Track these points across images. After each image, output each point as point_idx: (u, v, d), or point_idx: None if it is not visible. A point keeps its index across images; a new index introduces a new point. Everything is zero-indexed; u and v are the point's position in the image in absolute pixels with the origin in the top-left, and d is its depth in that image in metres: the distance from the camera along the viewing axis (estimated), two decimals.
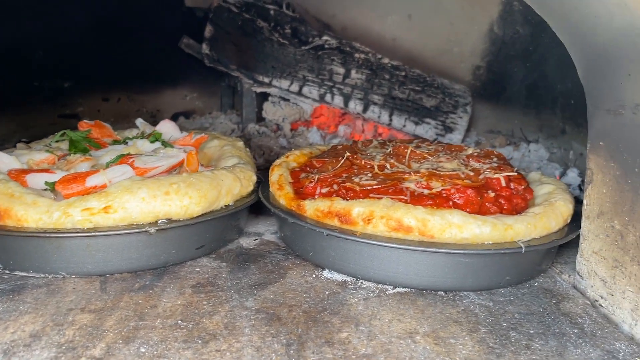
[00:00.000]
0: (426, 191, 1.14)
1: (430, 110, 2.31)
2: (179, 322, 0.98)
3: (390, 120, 2.35)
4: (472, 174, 1.20)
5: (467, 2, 2.46)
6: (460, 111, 2.30)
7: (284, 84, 2.38)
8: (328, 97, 2.38)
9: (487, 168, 1.27)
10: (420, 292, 1.12)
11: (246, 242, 1.38)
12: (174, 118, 2.87)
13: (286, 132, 2.43)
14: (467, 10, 2.48)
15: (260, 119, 2.55)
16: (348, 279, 1.17)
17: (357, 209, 1.10)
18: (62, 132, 1.46)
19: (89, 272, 1.13)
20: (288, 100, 2.47)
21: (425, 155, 1.32)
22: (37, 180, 1.20)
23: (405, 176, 1.20)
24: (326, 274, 1.19)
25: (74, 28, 2.35)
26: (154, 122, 2.80)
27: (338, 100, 2.37)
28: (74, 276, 1.13)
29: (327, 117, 2.55)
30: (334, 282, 1.15)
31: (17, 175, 1.19)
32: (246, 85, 2.46)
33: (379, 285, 1.14)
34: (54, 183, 1.18)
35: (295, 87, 2.38)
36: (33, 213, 1.07)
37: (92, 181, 1.16)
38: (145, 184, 1.12)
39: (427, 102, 2.30)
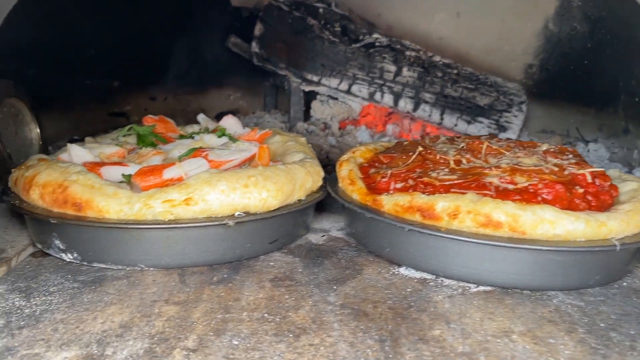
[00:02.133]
0: (511, 186, 1.10)
1: (483, 109, 2.27)
2: (265, 315, 0.96)
3: (442, 119, 2.31)
4: (556, 169, 1.16)
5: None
6: (515, 110, 2.25)
7: (333, 82, 2.36)
8: (377, 96, 2.35)
9: (568, 164, 1.22)
10: (505, 290, 1.08)
11: (314, 238, 1.36)
12: (218, 117, 2.88)
13: (334, 130, 2.41)
14: (519, 7, 2.42)
15: (306, 118, 2.53)
16: (427, 276, 1.14)
17: (442, 203, 1.06)
18: (129, 126, 1.46)
19: (166, 265, 1.12)
20: (336, 98, 2.45)
21: (502, 151, 1.28)
22: (112, 172, 1.20)
23: (486, 171, 1.16)
24: (403, 270, 1.16)
25: (123, 28, 2.36)
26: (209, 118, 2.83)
27: (388, 99, 2.34)
28: (151, 268, 1.12)
29: (374, 116, 2.53)
30: (414, 280, 1.12)
31: (92, 167, 1.19)
32: (294, 84, 2.45)
33: (461, 283, 1.10)
34: (129, 175, 1.18)
35: (344, 86, 2.36)
36: (114, 204, 1.07)
37: (169, 173, 1.15)
38: (224, 177, 1.11)
39: (480, 101, 2.26)
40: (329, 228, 1.43)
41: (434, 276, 1.13)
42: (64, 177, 1.11)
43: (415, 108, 2.32)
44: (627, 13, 1.93)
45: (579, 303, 1.04)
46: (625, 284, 1.13)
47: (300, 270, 1.16)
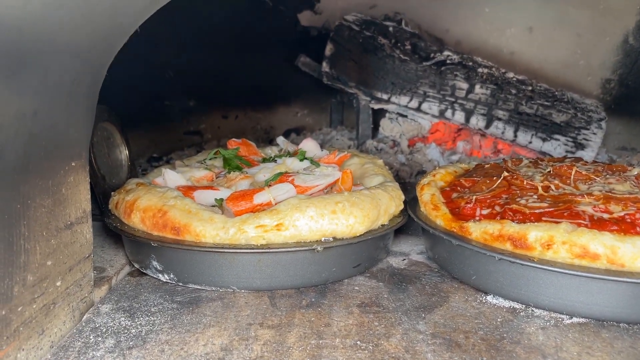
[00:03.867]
0: (606, 215, 1.07)
1: (560, 126, 2.20)
2: (358, 342, 0.97)
3: (515, 136, 2.26)
4: None
5: (598, 13, 2.34)
6: (594, 127, 2.17)
7: (403, 100, 2.37)
8: (448, 113, 2.33)
9: None
10: (601, 323, 1.05)
11: (395, 261, 1.36)
12: (286, 134, 2.94)
13: (404, 148, 2.42)
14: (597, 21, 2.35)
15: (373, 135, 2.55)
16: (517, 305, 1.12)
17: (535, 233, 1.05)
18: (215, 150, 1.52)
19: (257, 287, 1.16)
20: (405, 116, 2.45)
21: (592, 176, 1.25)
22: (204, 196, 1.25)
23: (578, 199, 1.14)
24: (491, 299, 1.15)
25: (200, 51, 2.47)
26: (268, 138, 2.89)
27: (459, 116, 2.33)
28: (243, 290, 1.16)
29: (443, 133, 2.51)
30: (503, 309, 1.11)
31: (186, 192, 1.26)
32: (363, 102, 2.47)
33: (553, 314, 1.08)
34: (221, 199, 1.23)
35: (414, 103, 2.36)
36: (210, 229, 1.12)
37: (259, 198, 1.19)
38: (312, 203, 1.14)
39: (557, 118, 2.20)
40: (408, 251, 1.43)
41: (524, 306, 1.11)
42: (163, 202, 1.17)
43: (488, 125, 2.29)
44: None
45: None
46: None
47: (385, 296, 1.17)
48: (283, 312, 1.09)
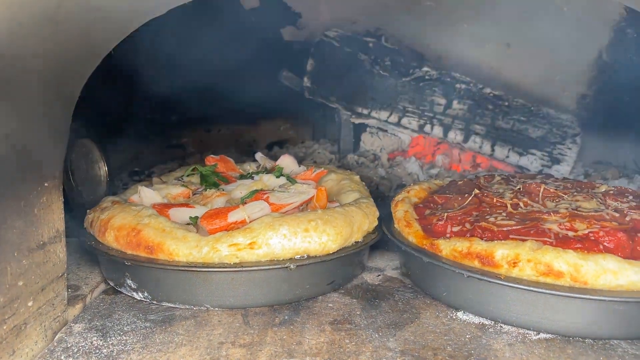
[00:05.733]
0: (571, 233, 1.10)
1: (536, 141, 2.25)
2: None
3: (493, 150, 2.30)
4: (616, 214, 1.15)
5: (573, 29, 2.39)
6: (569, 142, 2.22)
7: (383, 115, 2.40)
8: (427, 128, 2.37)
9: (629, 208, 1.21)
10: (567, 339, 1.07)
11: (370, 277, 1.38)
12: (270, 147, 2.96)
13: (384, 162, 2.44)
14: (572, 37, 2.40)
15: (355, 149, 2.58)
16: (486, 321, 1.14)
17: (501, 251, 1.07)
18: (192, 166, 1.54)
19: (230, 305, 1.17)
20: (386, 130, 2.48)
21: (560, 194, 1.28)
22: (180, 214, 1.26)
23: (544, 216, 1.17)
24: (461, 315, 1.17)
25: (184, 64, 2.47)
26: (251, 152, 2.90)
27: (437, 131, 2.36)
28: (216, 308, 1.17)
29: (422, 147, 2.54)
30: (472, 325, 1.13)
31: (161, 210, 1.27)
32: (344, 117, 2.50)
33: (521, 330, 1.10)
34: (196, 218, 1.24)
35: (394, 118, 2.39)
36: (184, 248, 1.13)
37: (233, 217, 1.21)
38: (285, 221, 1.16)
39: (533, 133, 2.24)
40: (384, 267, 1.45)
41: (493, 322, 1.13)
42: (137, 221, 1.18)
43: (466, 140, 2.32)
44: None
45: None
46: None
47: (358, 312, 1.18)
48: (255, 330, 1.10)
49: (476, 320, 1.15)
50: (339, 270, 1.26)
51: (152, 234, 1.15)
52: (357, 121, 2.47)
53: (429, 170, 2.42)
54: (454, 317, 1.16)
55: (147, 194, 1.33)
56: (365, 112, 2.42)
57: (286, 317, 1.15)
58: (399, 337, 1.08)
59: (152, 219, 1.18)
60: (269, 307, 1.20)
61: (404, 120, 2.38)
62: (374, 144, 2.49)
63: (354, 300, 1.25)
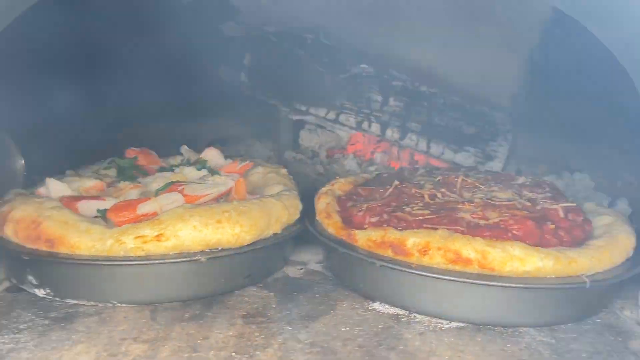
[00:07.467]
0: (482, 222, 1.11)
1: (469, 138, 2.28)
2: (233, 354, 0.95)
3: (428, 147, 2.32)
4: (528, 204, 1.17)
5: (507, 30, 2.44)
6: (500, 139, 2.26)
7: (321, 111, 2.38)
8: (365, 125, 2.36)
9: (542, 198, 1.23)
10: (478, 327, 1.08)
11: (292, 271, 1.35)
12: (209, 146, 2.89)
13: (322, 158, 2.43)
14: (506, 38, 2.45)
15: (296, 146, 2.55)
16: (401, 312, 1.13)
17: (412, 239, 1.07)
18: (110, 159, 1.47)
19: (139, 301, 1.12)
20: (324, 127, 2.46)
21: (477, 184, 1.29)
22: (89, 207, 1.20)
23: (459, 206, 1.17)
24: (377, 306, 1.16)
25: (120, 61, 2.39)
26: (192, 150, 2.82)
27: (375, 128, 2.36)
28: (124, 305, 1.12)
29: (362, 144, 2.54)
30: (386, 315, 1.12)
31: (69, 202, 1.20)
32: (283, 113, 2.47)
33: (434, 320, 1.10)
34: (104, 210, 1.18)
35: (332, 115, 2.38)
36: (87, 240, 1.07)
37: (143, 209, 1.16)
38: (197, 212, 1.12)
39: (466, 130, 2.27)
40: (307, 260, 1.43)
41: (407, 312, 1.13)
42: (38, 213, 1.12)
43: (403, 137, 2.33)
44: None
45: (550, 340, 1.03)
46: (598, 320, 1.13)
47: (273, 306, 1.15)
48: (162, 325, 1.05)
49: (391, 310, 1.14)
50: (256, 263, 1.23)
51: (53, 226, 1.09)
52: (295, 118, 2.44)
53: (367, 167, 2.41)
54: (370, 308, 1.15)
55: (54, 187, 1.26)
56: (303, 108, 2.40)
57: (197, 312, 1.11)
58: (311, 329, 1.05)
59: (54, 211, 1.12)
60: (182, 302, 1.15)
61: (342, 117, 2.37)
62: (313, 140, 2.47)
63: (272, 293, 1.22)
